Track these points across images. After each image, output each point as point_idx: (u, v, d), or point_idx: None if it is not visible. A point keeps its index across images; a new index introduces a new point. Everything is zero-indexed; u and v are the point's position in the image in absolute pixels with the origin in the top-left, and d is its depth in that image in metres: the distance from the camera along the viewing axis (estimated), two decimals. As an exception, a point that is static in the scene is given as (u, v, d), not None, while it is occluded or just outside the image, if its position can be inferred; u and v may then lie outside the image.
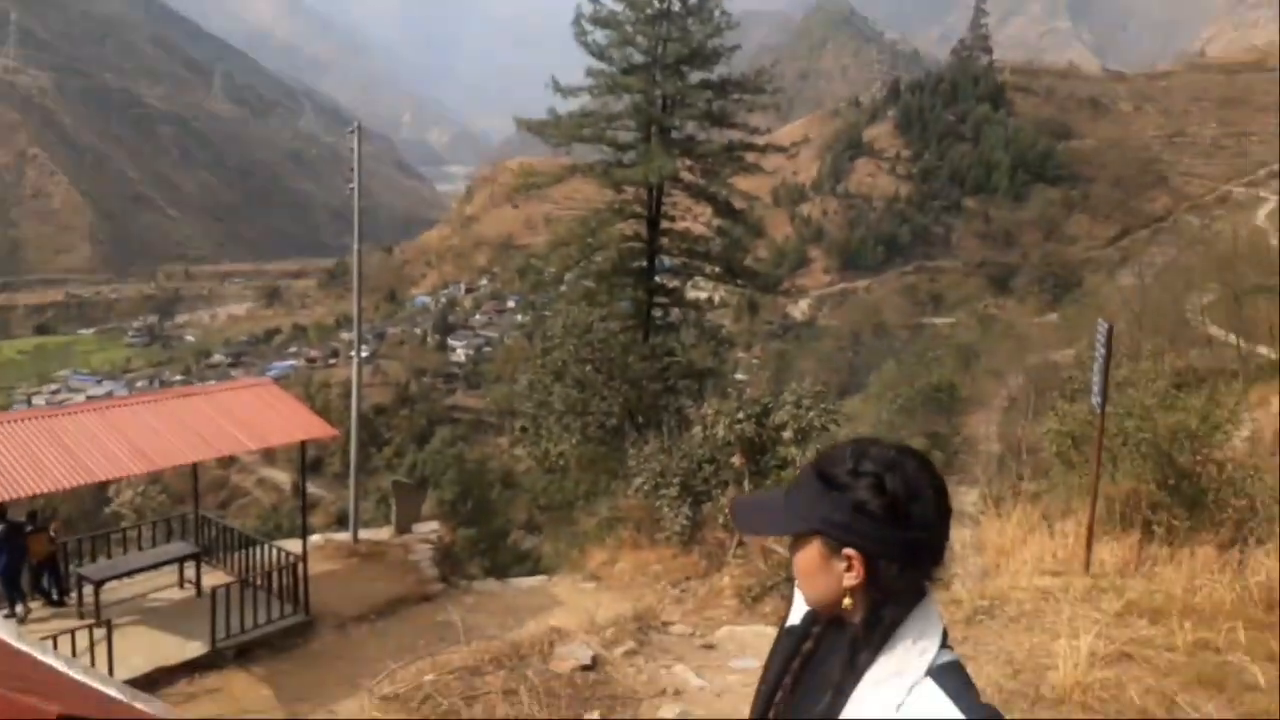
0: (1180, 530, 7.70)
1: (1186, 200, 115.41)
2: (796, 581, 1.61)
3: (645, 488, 12.35)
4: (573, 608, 9.84)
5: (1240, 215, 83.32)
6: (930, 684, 1.45)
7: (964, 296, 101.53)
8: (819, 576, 1.55)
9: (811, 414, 11.69)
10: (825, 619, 1.63)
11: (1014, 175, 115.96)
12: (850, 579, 1.51)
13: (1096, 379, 7.64)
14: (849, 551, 1.51)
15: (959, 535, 10.60)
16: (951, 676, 1.48)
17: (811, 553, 1.54)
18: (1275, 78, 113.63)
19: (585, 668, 5.81)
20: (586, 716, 5.09)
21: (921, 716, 1.43)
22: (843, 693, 1.50)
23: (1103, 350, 7.55)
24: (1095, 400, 7.69)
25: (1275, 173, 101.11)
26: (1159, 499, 8.18)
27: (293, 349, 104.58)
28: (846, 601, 1.53)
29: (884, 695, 1.46)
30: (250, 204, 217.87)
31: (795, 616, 1.71)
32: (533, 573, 15.85)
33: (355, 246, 14.44)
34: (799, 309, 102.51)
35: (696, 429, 12.57)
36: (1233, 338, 50.18)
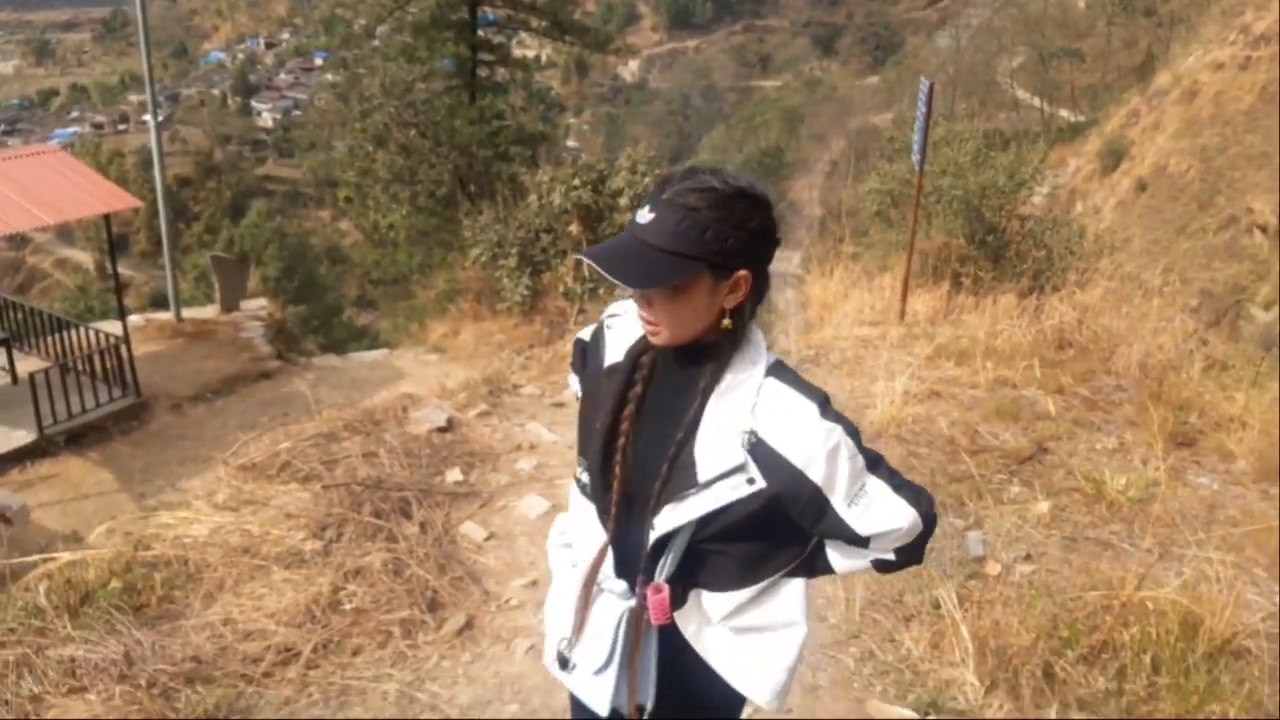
0: (985, 280, 8.43)
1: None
2: (663, 321, 1.57)
3: (483, 259, 12.26)
4: (418, 378, 9.94)
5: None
6: (772, 381, 1.59)
7: (790, 58, 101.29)
8: (703, 309, 1.56)
9: (647, 180, 11.73)
10: (655, 350, 1.66)
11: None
12: (734, 299, 1.57)
13: (917, 137, 7.79)
14: (742, 273, 1.55)
15: (785, 295, 11.24)
16: (785, 371, 1.63)
17: (699, 289, 1.54)
18: None
19: (441, 429, 5.98)
20: (447, 472, 5.31)
21: (775, 408, 1.57)
22: (704, 406, 1.60)
23: (924, 108, 7.72)
24: (915, 158, 7.95)
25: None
26: (967, 252, 8.87)
27: (75, 113, 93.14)
28: (727, 322, 1.58)
29: (737, 400, 1.58)
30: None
31: (614, 356, 1.74)
32: (371, 348, 15.70)
33: (136, -11, 12.70)
34: (629, 70, 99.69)
35: (532, 197, 12.41)
36: (1038, 101, 53.03)
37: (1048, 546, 4.16)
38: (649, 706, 1.72)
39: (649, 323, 1.59)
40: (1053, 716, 3.07)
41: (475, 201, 15.30)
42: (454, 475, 5.23)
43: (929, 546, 1.72)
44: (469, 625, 3.73)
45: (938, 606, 3.55)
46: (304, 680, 3.37)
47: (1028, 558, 4.07)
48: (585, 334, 1.90)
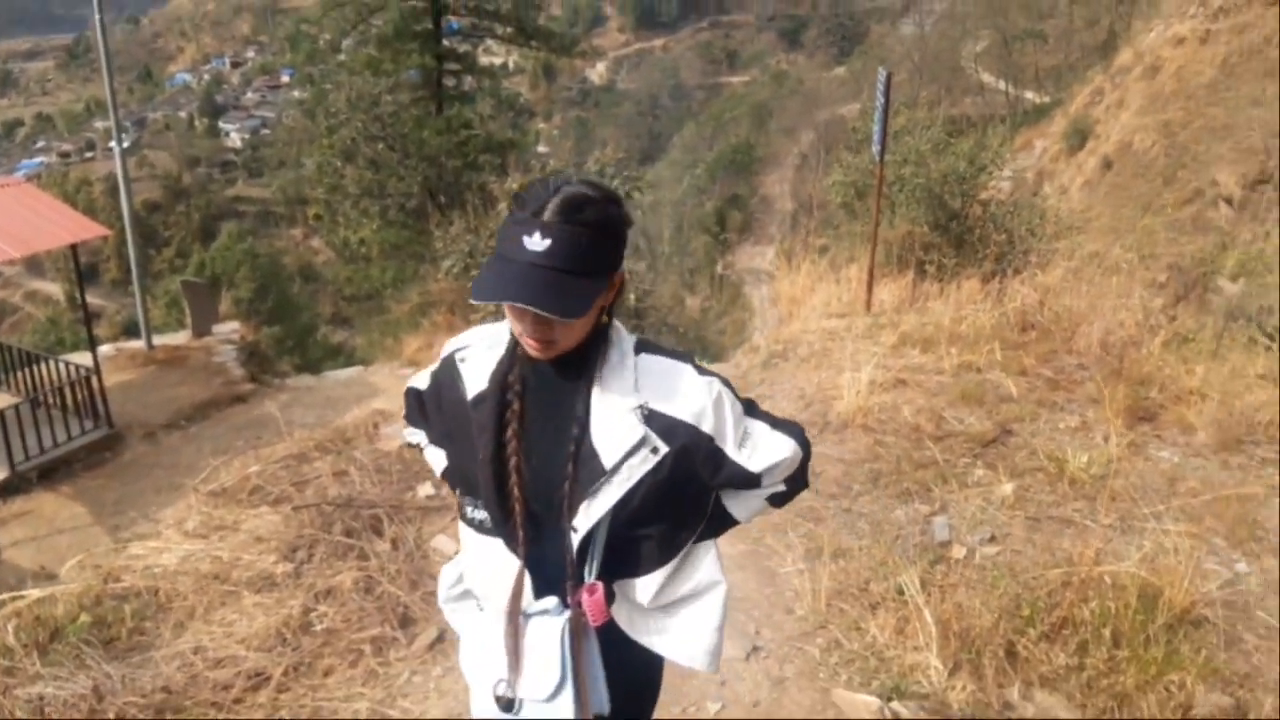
0: (949, 267, 8.50)
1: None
2: (560, 336, 1.57)
3: (455, 270, 12.23)
4: (393, 394, 9.91)
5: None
6: (644, 356, 1.68)
7: (757, 52, 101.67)
8: (592, 315, 1.60)
9: (616, 182, 11.77)
10: (524, 365, 1.66)
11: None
12: (610, 296, 1.64)
13: (877, 128, 7.93)
14: (619, 273, 1.63)
15: (760, 291, 11.29)
16: (649, 344, 1.71)
17: (596, 299, 1.58)
18: None
19: (412, 445, 5.99)
20: (419, 487, 5.31)
21: (655, 378, 1.65)
22: (590, 399, 1.64)
23: (882, 99, 7.82)
24: (875, 149, 8.06)
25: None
26: (931, 240, 8.94)
27: (41, 143, 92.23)
28: (605, 318, 1.66)
29: (619, 384, 1.64)
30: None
31: (477, 386, 1.70)
32: (347, 365, 15.64)
33: (97, 17, 12.60)
34: (597, 72, 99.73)
35: (502, 206, 12.38)
36: (1003, 84, 53.40)
37: (1012, 527, 4.21)
38: (606, 712, 1.71)
39: (541, 341, 1.58)
40: (1015, 694, 3.11)
41: (446, 213, 15.25)
42: (425, 490, 5.23)
43: (812, 474, 1.87)
44: (440, 639, 3.74)
45: (902, 593, 3.59)
46: (275, 704, 3.37)
47: (992, 539, 4.12)
48: (420, 382, 1.91)
